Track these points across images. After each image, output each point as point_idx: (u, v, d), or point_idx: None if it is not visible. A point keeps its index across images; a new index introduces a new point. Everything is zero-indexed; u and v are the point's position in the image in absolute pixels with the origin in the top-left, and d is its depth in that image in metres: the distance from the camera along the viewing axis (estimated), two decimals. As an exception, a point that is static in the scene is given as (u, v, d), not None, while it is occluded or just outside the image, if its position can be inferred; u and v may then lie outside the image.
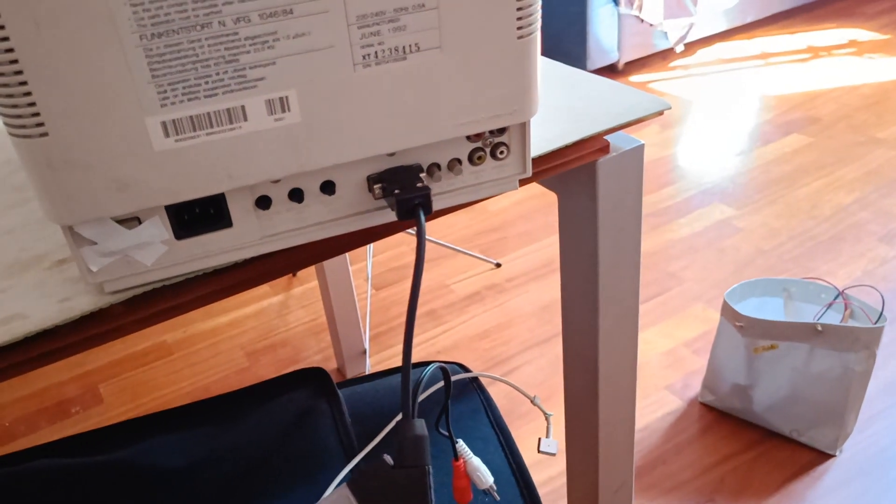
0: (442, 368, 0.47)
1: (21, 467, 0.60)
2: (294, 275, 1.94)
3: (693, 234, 1.93)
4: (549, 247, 1.94)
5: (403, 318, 1.75)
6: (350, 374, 1.60)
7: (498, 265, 1.89)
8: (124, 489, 0.59)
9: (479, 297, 1.78)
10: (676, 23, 2.93)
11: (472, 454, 0.58)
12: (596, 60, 2.83)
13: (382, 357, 1.64)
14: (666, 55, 3.09)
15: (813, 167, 2.17)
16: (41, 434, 1.56)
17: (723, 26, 3.12)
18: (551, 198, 2.16)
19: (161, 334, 1.78)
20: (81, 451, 0.63)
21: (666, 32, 2.95)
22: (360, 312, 1.59)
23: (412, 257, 1.95)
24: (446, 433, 0.54)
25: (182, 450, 0.62)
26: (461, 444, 0.57)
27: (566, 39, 2.85)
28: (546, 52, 2.98)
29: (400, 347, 1.66)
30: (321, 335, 1.73)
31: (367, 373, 1.60)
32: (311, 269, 1.94)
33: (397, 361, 1.63)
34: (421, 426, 0.41)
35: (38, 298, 0.45)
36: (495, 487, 0.57)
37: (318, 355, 1.67)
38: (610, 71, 2.95)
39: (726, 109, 2.58)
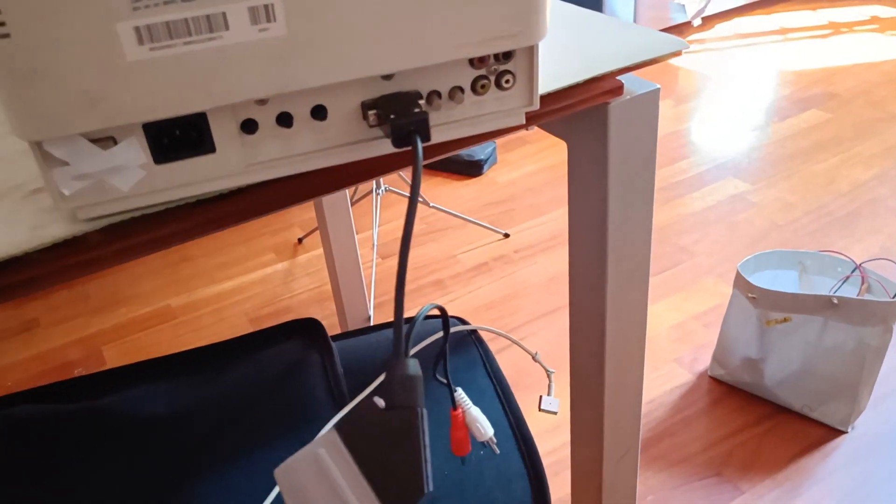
0: (439, 307, 0.44)
1: (1, 413, 0.58)
2: (299, 242, 1.92)
3: (706, 209, 1.89)
4: (557, 219, 1.91)
5: (408, 288, 1.72)
6: (354, 342, 1.58)
7: (506, 236, 1.85)
8: (106, 435, 0.57)
9: (486, 268, 1.75)
10: (694, -4, 2.87)
11: (471, 404, 0.55)
12: (611, 33, 2.78)
13: (387, 325, 1.62)
14: (683, 29, 3.03)
15: (830, 143, 2.13)
16: (42, 396, 1.54)
17: (741, 0, 3.05)
18: (561, 171, 2.12)
19: (165, 298, 1.77)
20: (64, 397, 0.61)
21: (684, 6, 2.89)
22: (365, 281, 1.57)
23: (419, 227, 1.92)
24: (444, 380, 0.51)
25: (167, 398, 0.59)
26: (460, 393, 0.55)
27: (581, 11, 2.80)
28: (560, 24, 2.93)
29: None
30: (326, 303, 1.71)
31: (371, 341, 1.58)
32: (317, 237, 1.92)
33: (402, 330, 1.61)
34: (414, 366, 0.38)
35: (8, 227, 0.43)
36: (495, 440, 0.54)
37: (323, 322, 1.65)
38: (625, 44, 2.89)
39: (743, 84, 2.53)
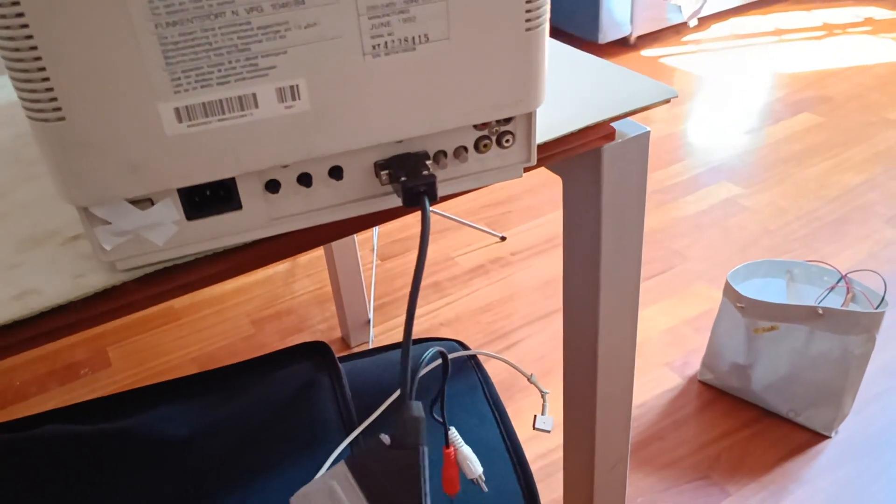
0: (441, 353, 0.48)
1: (28, 433, 0.62)
2: (300, 243, 1.95)
3: (699, 212, 1.93)
4: (553, 221, 1.95)
5: (408, 290, 1.76)
6: (354, 344, 1.62)
7: (503, 238, 1.89)
8: (129, 456, 0.61)
9: (483, 271, 1.80)
10: (690, -4, 2.90)
11: (463, 442, 0.59)
12: (608, 33, 2.81)
13: (386, 327, 1.66)
14: (679, 29, 3.07)
15: (823, 147, 2.17)
16: (51, 395, 1.59)
17: (738, 1, 3.09)
18: (558, 172, 2.16)
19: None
20: (88, 418, 0.65)
21: (680, 6, 2.92)
22: (364, 283, 1.61)
23: (418, 229, 1.96)
24: (440, 419, 0.55)
25: (185, 419, 0.63)
26: (453, 432, 0.59)
27: (578, 12, 2.83)
28: (558, 25, 2.96)
29: (403, 318, 1.68)
30: (326, 304, 1.75)
31: (370, 342, 1.62)
32: (318, 238, 1.95)
33: (400, 333, 1.65)
34: (418, 408, 0.42)
35: (51, 274, 0.47)
36: (484, 478, 0.58)
37: (323, 324, 1.69)
38: (622, 44, 2.93)
39: (737, 86, 2.57)
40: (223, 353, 1.67)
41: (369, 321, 1.63)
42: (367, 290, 1.73)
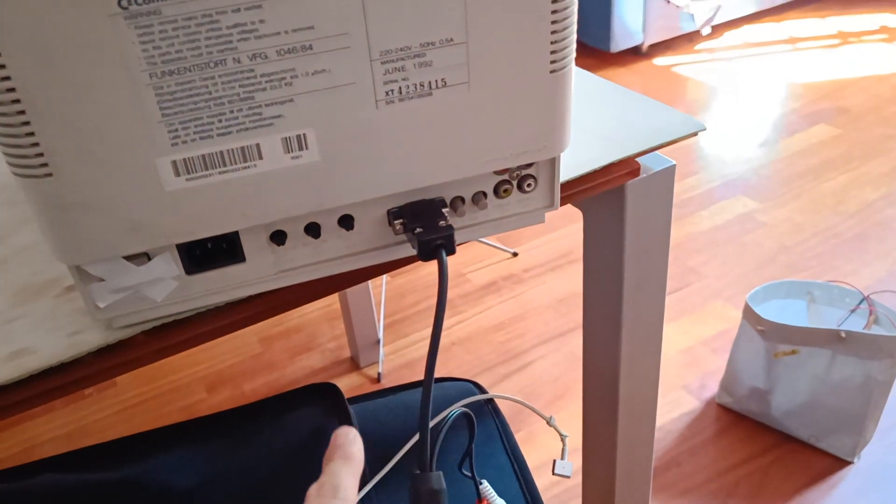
0: (466, 415, 0.45)
1: (26, 483, 0.59)
2: (309, 259, 1.93)
3: (715, 228, 1.89)
4: (566, 237, 1.92)
5: (418, 308, 1.73)
6: (364, 364, 1.59)
7: (515, 255, 1.86)
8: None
9: (495, 288, 1.76)
10: (703, 4, 2.87)
11: (495, 495, 0.56)
12: (620, 42, 2.77)
13: (396, 346, 1.63)
14: (692, 37, 3.03)
15: (840, 161, 2.13)
16: (56, 415, 1.57)
17: (751, 8, 3.04)
18: (571, 185, 2.12)
19: (175, 316, 1.78)
20: (89, 466, 0.62)
21: (692, 14, 2.89)
22: (374, 300, 1.58)
23: (428, 244, 1.93)
24: (469, 474, 0.53)
25: (190, 468, 0.61)
26: (485, 486, 0.56)
27: (590, 20, 2.80)
28: (569, 33, 2.92)
29: (414, 337, 1.65)
30: (335, 322, 1.72)
31: (380, 362, 1.59)
32: (327, 254, 1.92)
33: (410, 352, 1.62)
34: (438, 480, 0.39)
35: (47, 330, 0.44)
36: None
37: (332, 342, 1.66)
38: (634, 53, 2.89)
39: (752, 97, 2.53)
40: (232, 372, 1.64)
41: (379, 342, 1.59)
42: (376, 307, 1.70)
